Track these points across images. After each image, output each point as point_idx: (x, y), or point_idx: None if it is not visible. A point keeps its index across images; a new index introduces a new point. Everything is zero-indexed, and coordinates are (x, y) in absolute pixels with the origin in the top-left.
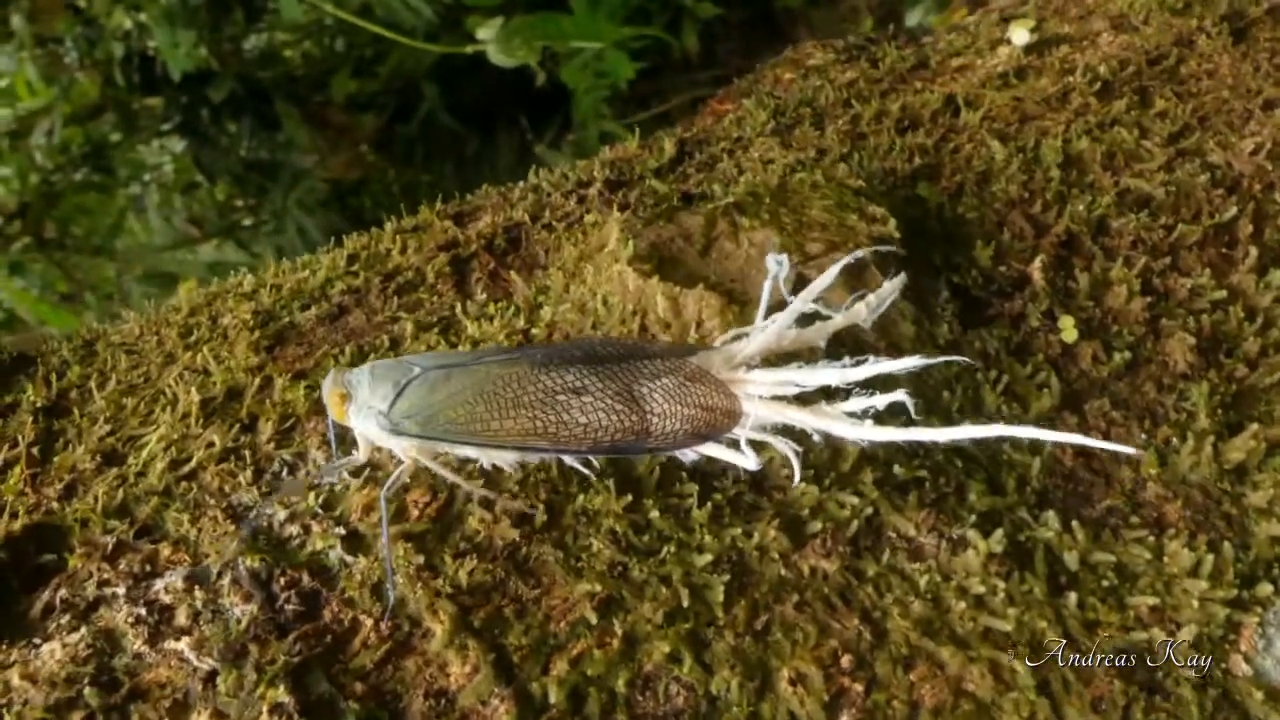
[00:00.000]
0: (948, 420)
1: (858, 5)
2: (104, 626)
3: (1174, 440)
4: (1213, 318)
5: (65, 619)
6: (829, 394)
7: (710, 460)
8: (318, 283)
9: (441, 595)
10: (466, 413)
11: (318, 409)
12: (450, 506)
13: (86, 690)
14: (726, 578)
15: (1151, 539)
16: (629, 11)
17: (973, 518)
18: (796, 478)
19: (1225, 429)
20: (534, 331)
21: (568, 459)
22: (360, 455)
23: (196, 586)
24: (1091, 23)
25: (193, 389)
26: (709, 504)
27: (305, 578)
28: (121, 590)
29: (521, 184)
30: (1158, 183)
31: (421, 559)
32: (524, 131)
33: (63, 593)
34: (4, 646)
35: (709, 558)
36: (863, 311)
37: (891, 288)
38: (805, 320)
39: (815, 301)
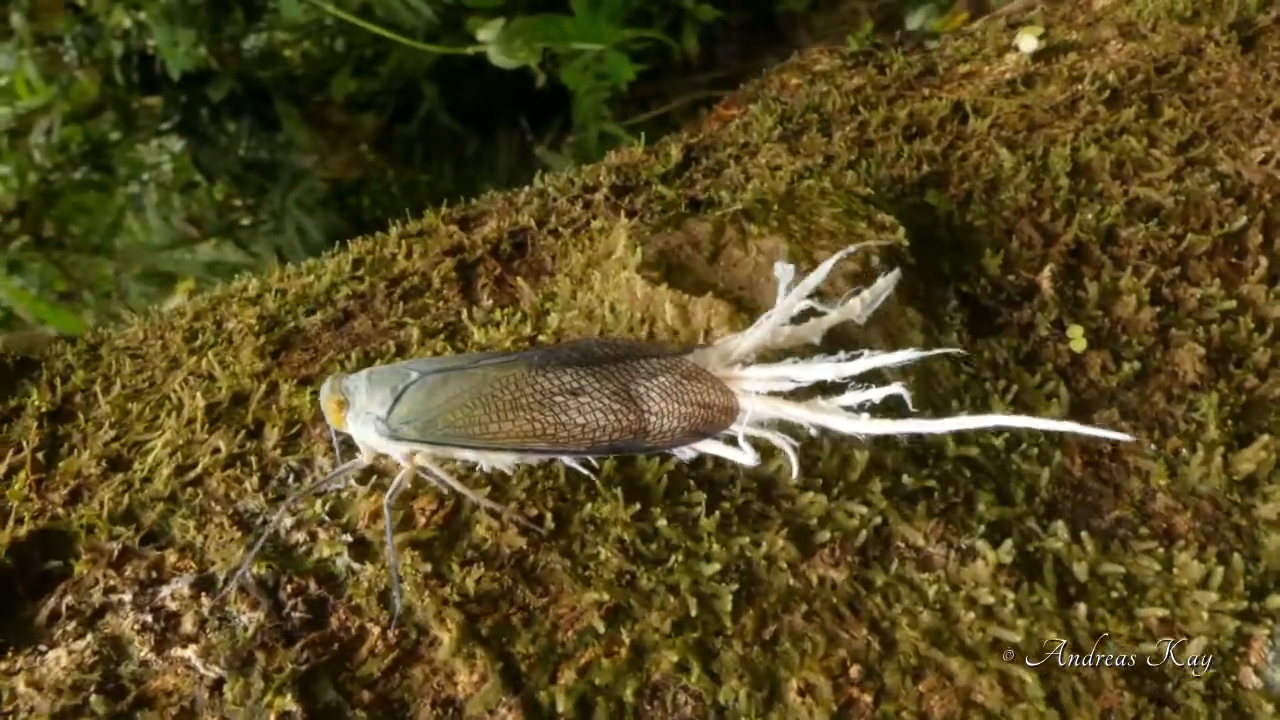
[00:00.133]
0: (956, 431)
1: (858, 8)
2: (110, 633)
3: (1183, 451)
4: (1222, 328)
5: (71, 626)
6: (825, 389)
7: (717, 467)
8: (323, 287)
9: (449, 603)
10: (465, 416)
11: (323, 415)
12: (458, 514)
13: (92, 698)
14: (735, 587)
15: (1161, 550)
16: (630, 13)
17: (982, 528)
18: (794, 473)
19: (1235, 440)
20: (541, 338)
21: (566, 460)
22: (363, 459)
23: (203, 593)
24: (1099, 30)
25: (198, 394)
26: (717, 512)
27: (312, 585)
28: (128, 597)
29: (527, 189)
30: (1167, 192)
31: (429, 567)
32: (524, 132)
33: (68, 599)
34: (9, 653)
35: (717, 567)
36: (857, 307)
37: (886, 283)
38: (801, 318)
39: (812, 298)
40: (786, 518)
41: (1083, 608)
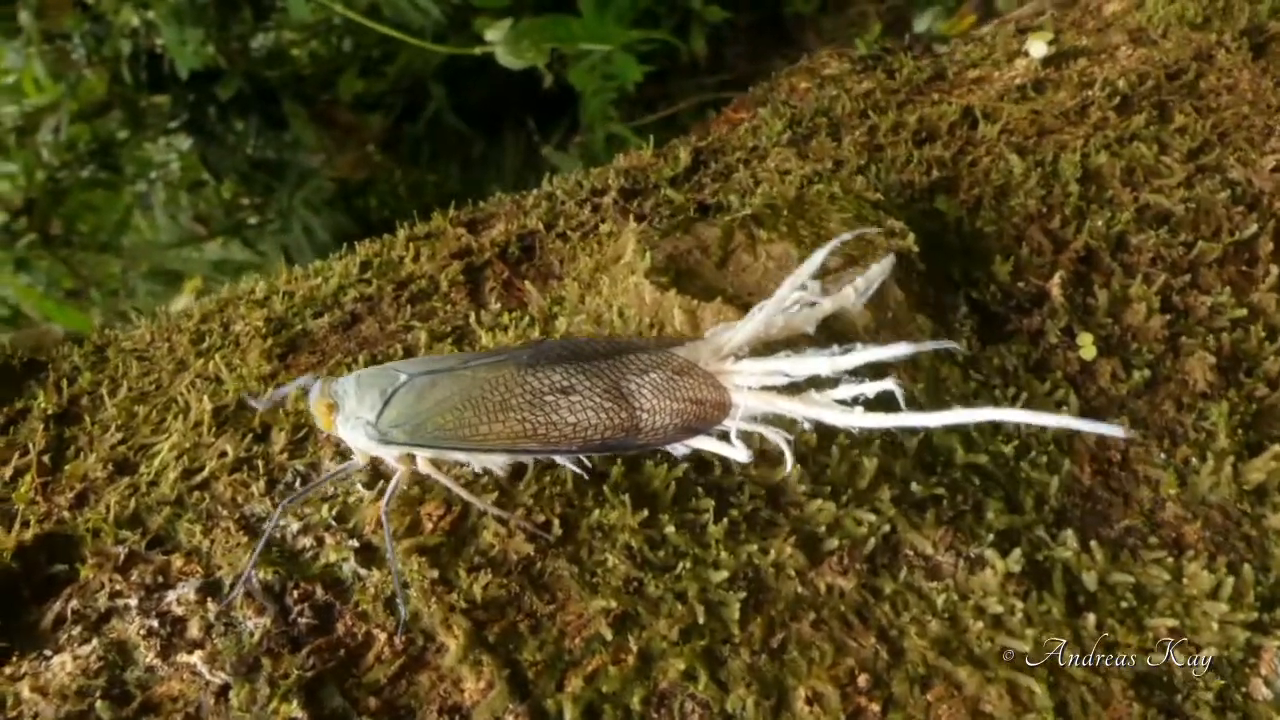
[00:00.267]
0: (965, 437)
1: (867, 11)
2: (116, 638)
3: (1193, 460)
4: (1233, 336)
5: (76, 630)
6: (818, 383)
7: (725, 473)
8: (330, 290)
9: (456, 610)
10: (455, 418)
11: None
12: (464, 520)
13: (98, 704)
14: (742, 594)
15: (1170, 560)
16: (637, 14)
17: (990, 536)
18: (789, 466)
19: (1245, 449)
20: None
21: (559, 459)
22: (358, 460)
23: (209, 598)
24: (1109, 36)
25: (205, 397)
26: (725, 520)
27: (319, 590)
28: (133, 602)
29: (535, 191)
30: (1177, 199)
31: (436, 573)
32: (531, 133)
33: (74, 604)
34: (15, 658)
35: (725, 574)
36: (851, 295)
37: (880, 270)
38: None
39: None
40: (795, 525)
41: (1092, 617)
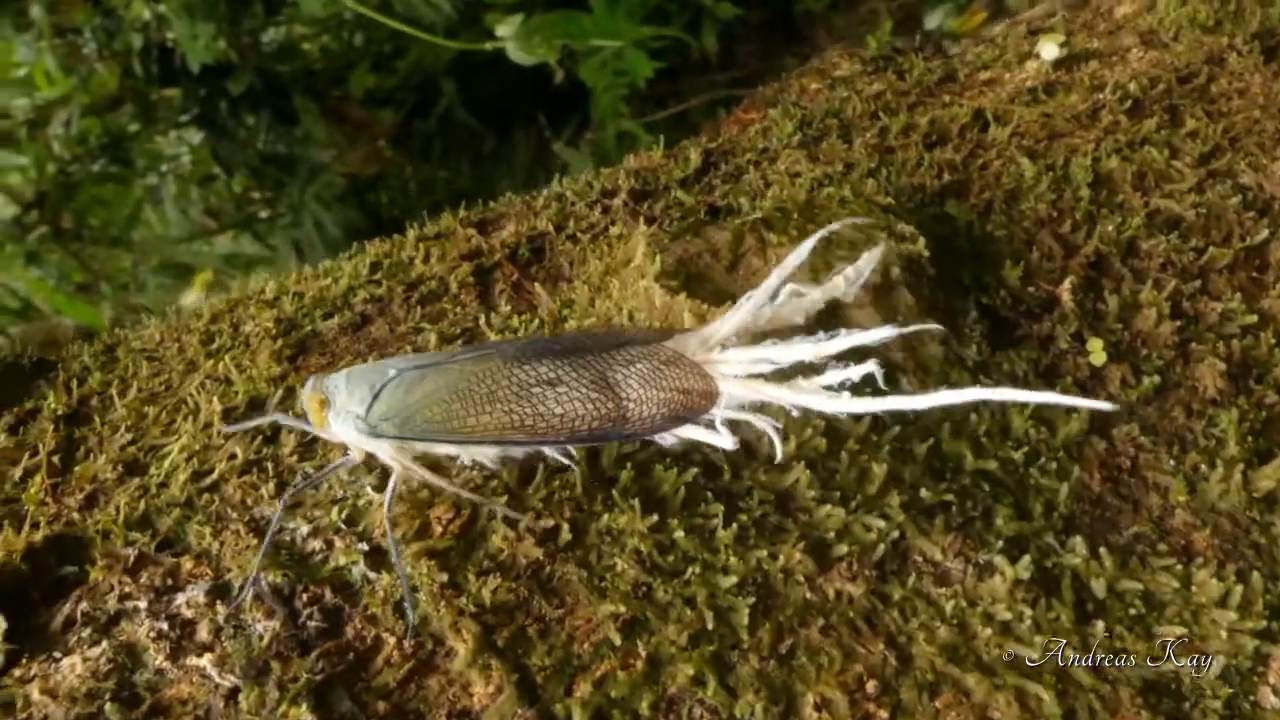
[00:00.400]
0: (974, 443)
1: (878, 8)
2: (125, 641)
3: (1203, 467)
4: (1243, 343)
5: (86, 632)
6: (805, 370)
7: (735, 478)
8: (340, 291)
9: (465, 614)
10: (443, 411)
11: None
12: (474, 523)
13: (107, 706)
14: (751, 600)
15: (1179, 567)
16: (648, 11)
17: (1000, 543)
18: (778, 455)
19: (1255, 456)
20: None
21: (547, 450)
22: (354, 455)
23: (218, 601)
24: (1121, 38)
25: (215, 398)
26: (734, 525)
27: (328, 594)
28: (143, 604)
29: (545, 192)
30: (1188, 204)
31: (445, 577)
32: (541, 129)
33: (83, 606)
34: (24, 660)
35: (734, 579)
36: (841, 285)
37: (870, 259)
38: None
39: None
40: (804, 531)
41: (1100, 624)
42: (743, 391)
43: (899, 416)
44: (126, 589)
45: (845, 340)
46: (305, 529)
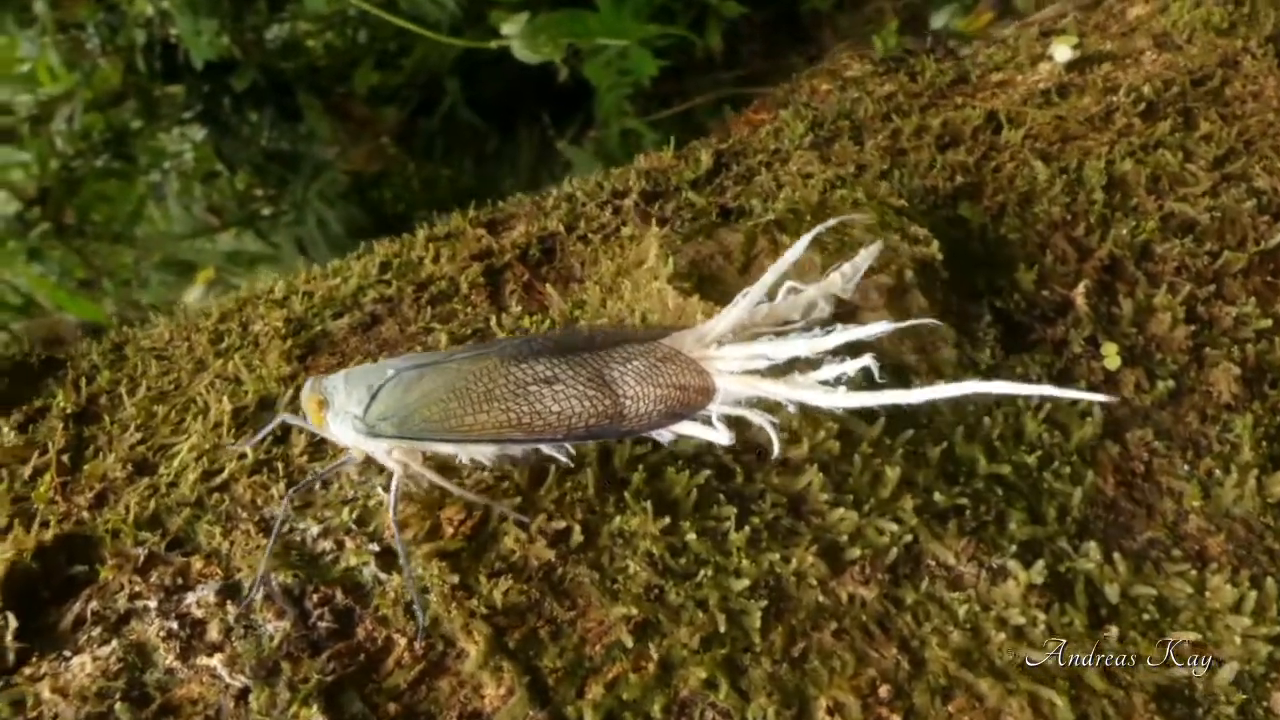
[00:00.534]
0: (987, 447)
1: (883, 7)
2: (135, 640)
3: (1217, 472)
4: (1257, 347)
5: (96, 631)
6: (801, 365)
7: (748, 481)
8: (350, 290)
9: (476, 615)
10: (441, 410)
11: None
12: (485, 525)
13: (117, 705)
14: (764, 603)
15: (1193, 573)
16: (653, 9)
17: (1013, 547)
18: (775, 450)
19: (1269, 462)
20: None
21: (545, 448)
22: (354, 454)
23: (228, 601)
24: (1134, 40)
25: (224, 398)
26: (746, 527)
27: (339, 594)
28: (153, 603)
29: (555, 192)
30: (1202, 208)
31: (456, 578)
32: (545, 128)
33: (93, 605)
34: (34, 659)
35: (746, 582)
36: (838, 281)
37: (866, 255)
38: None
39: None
40: (816, 534)
41: (1114, 630)
42: (739, 387)
43: (912, 420)
44: (136, 588)
45: (841, 335)
46: (316, 529)
